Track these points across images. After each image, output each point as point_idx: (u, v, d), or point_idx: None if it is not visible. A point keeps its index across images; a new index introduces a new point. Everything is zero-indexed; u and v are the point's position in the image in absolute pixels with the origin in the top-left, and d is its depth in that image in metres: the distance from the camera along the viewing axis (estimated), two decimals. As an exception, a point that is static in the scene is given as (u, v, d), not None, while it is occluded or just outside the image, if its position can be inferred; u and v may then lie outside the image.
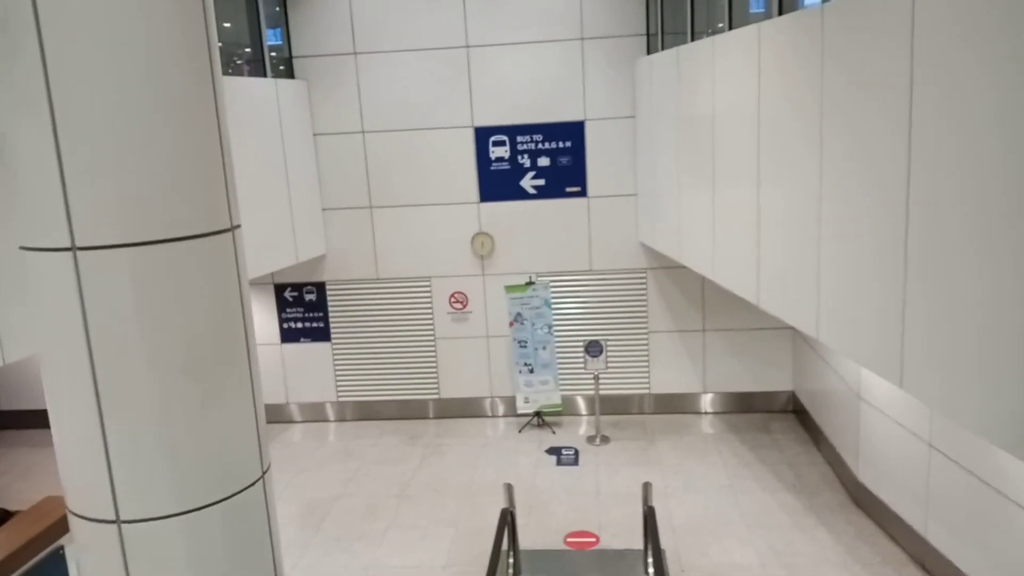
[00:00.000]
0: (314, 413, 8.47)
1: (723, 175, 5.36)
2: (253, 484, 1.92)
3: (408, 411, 8.36)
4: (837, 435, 6.54)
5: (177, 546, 1.84)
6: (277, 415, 8.47)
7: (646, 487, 5.18)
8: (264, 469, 1.98)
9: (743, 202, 4.98)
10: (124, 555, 1.84)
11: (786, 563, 5.33)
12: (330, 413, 8.46)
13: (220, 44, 7.11)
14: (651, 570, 4.90)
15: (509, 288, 7.74)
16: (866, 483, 5.90)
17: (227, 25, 7.34)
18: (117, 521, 1.83)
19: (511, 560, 5.19)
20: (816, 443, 7.14)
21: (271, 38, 7.57)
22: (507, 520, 5.08)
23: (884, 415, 5.53)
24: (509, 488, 5.27)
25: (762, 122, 4.64)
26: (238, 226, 1.94)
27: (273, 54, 7.62)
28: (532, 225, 7.87)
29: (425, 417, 8.36)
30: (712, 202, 5.59)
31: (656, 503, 5.16)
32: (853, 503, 6.07)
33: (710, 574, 5.25)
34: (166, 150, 1.77)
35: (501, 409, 8.28)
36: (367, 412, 8.40)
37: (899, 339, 3.17)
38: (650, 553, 4.84)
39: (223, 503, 1.87)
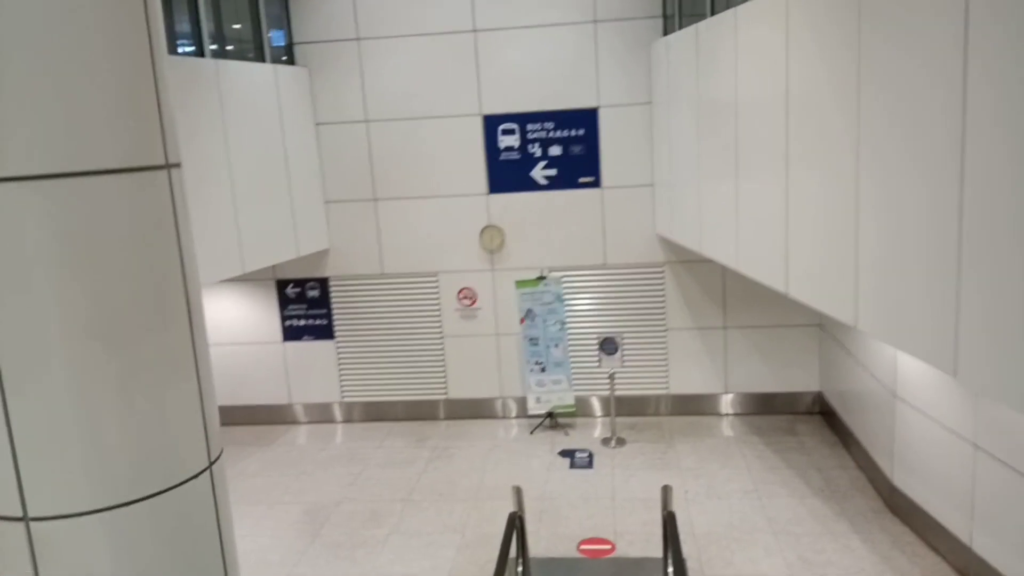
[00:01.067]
0: (319, 414, 8.16)
1: (748, 157, 5.00)
2: (196, 477, 1.58)
3: (415, 412, 8.03)
4: (869, 437, 6.13)
5: (97, 548, 1.51)
6: (280, 416, 8.17)
7: (665, 490, 4.80)
8: (212, 459, 1.64)
9: (771, 186, 4.61)
10: (34, 558, 1.51)
11: (817, 573, 4.93)
12: (335, 414, 8.14)
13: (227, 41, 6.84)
14: (671, 581, 4.51)
15: (519, 283, 7.39)
16: (902, 488, 5.49)
17: (235, 26, 7.08)
18: (25, 519, 1.50)
19: (520, 569, 4.82)
20: (846, 446, 6.72)
21: (274, 39, 7.29)
22: (515, 525, 4.72)
23: (923, 414, 5.13)
24: (518, 491, 4.90)
25: (791, 96, 4.28)
26: (176, 165, 1.61)
27: (283, 57, 7.35)
28: (544, 217, 7.53)
29: (432, 418, 8.01)
30: (736, 188, 5.22)
31: (676, 509, 4.78)
32: (888, 509, 5.65)
33: (735, 585, 4.87)
34: (78, 68, 1.44)
35: (512, 410, 7.93)
36: (373, 413, 8.08)
37: (952, 325, 2.80)
38: (670, 562, 4.46)
39: (155, 498, 1.54)
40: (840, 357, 6.81)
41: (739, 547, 5.29)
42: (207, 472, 1.64)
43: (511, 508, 4.90)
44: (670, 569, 4.63)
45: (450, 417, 8.01)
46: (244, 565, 5.57)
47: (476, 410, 7.96)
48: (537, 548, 5.40)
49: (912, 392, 5.26)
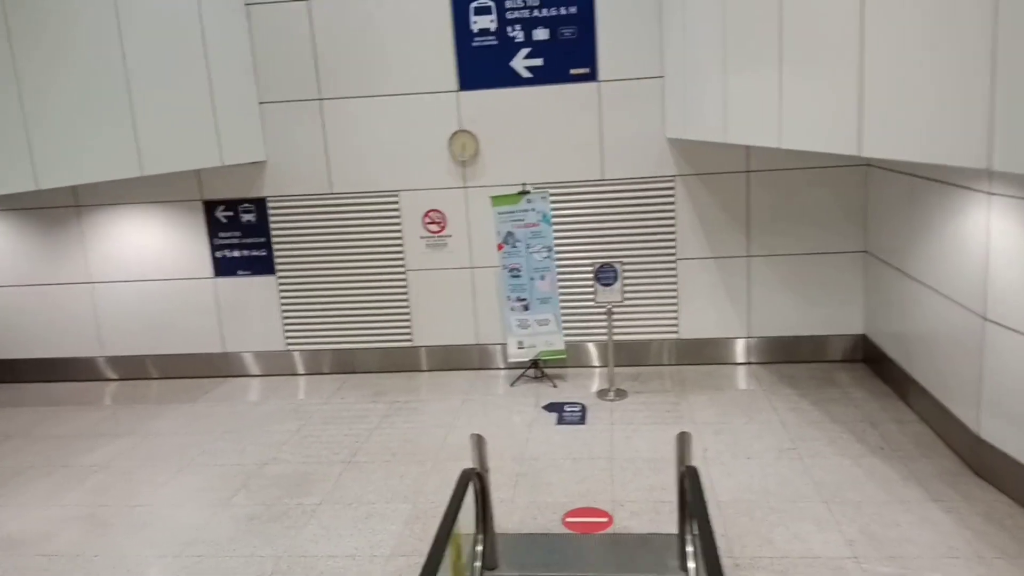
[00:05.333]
0: (258, 365, 6.80)
1: (799, 38, 3.59)
2: None
3: (375, 363, 6.67)
4: (941, 381, 4.77)
5: None
6: (214, 367, 6.81)
7: (682, 439, 3.44)
8: None
9: (835, 55, 3.22)
10: None
11: (891, 554, 3.59)
12: (278, 365, 6.78)
13: None
14: (693, 563, 3.17)
15: (496, 200, 6.00)
16: (993, 441, 4.13)
17: None
18: None
19: (480, 548, 3.48)
20: (903, 396, 5.37)
21: None
22: (473, 487, 3.37)
23: (1031, 339, 3.77)
24: (478, 441, 3.54)
25: None
26: None
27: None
28: (527, 120, 6.12)
29: (396, 370, 6.66)
30: (780, 68, 3.83)
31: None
32: (971, 470, 4.31)
33: (780, 572, 3.52)
34: None
35: (492, 359, 6.57)
36: (324, 364, 6.72)
37: None
38: (692, 532, 3.13)
39: None
40: (896, 286, 5.43)
41: (779, 519, 3.95)
42: None
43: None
44: (689, 548, 3.30)
45: (417, 368, 6.65)
46: (129, 543, 4.24)
47: (448, 360, 6.60)
48: (509, 521, 4.07)
49: (1013, 310, 3.89)
